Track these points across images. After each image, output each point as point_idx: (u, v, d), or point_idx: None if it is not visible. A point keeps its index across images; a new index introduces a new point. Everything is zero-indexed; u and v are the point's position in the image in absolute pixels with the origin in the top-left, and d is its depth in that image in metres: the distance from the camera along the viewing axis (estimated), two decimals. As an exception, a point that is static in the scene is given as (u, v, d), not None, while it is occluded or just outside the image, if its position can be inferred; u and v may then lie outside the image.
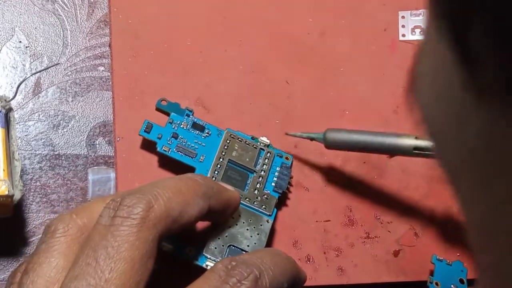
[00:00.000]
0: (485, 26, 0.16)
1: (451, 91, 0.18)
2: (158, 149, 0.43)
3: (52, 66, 0.45)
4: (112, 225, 0.33)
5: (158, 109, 0.45)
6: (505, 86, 0.16)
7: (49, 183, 0.44)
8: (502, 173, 0.17)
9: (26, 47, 0.46)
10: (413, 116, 0.21)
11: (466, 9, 0.16)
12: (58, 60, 0.46)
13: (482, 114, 0.17)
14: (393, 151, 0.44)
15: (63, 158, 0.45)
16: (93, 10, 0.48)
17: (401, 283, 0.46)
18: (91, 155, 0.45)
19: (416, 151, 0.43)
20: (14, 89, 0.45)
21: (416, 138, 0.43)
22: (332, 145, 0.45)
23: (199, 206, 0.37)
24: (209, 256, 0.40)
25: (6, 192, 0.38)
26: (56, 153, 0.45)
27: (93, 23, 0.48)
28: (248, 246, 0.42)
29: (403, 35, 0.52)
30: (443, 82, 0.19)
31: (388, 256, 0.47)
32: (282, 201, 0.46)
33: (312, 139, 0.46)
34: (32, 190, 0.44)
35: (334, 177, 0.47)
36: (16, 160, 0.39)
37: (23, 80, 0.44)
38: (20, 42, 0.47)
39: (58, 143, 0.45)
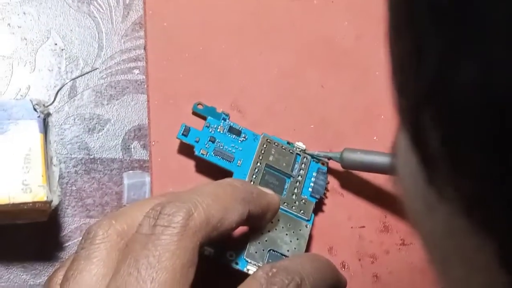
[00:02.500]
0: (437, 130, 0.17)
1: (418, 181, 0.19)
2: (196, 152, 0.43)
3: (91, 71, 0.45)
4: (152, 234, 0.33)
5: (194, 113, 0.45)
6: (458, 199, 0.17)
7: (84, 187, 0.44)
8: (459, 261, 0.19)
9: (62, 49, 0.46)
10: (396, 188, 0.22)
11: (420, 112, 0.18)
12: (94, 63, 0.46)
13: (441, 206, 0.18)
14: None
15: (98, 162, 0.44)
16: (128, 12, 0.48)
17: (436, 291, 0.46)
18: (126, 159, 0.45)
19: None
20: (50, 92, 0.45)
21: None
22: (348, 166, 0.44)
23: (239, 212, 0.36)
24: (249, 260, 0.40)
25: (45, 198, 0.38)
26: (91, 157, 0.44)
27: (128, 25, 0.48)
28: (288, 251, 0.41)
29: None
30: (411, 172, 0.20)
31: (424, 263, 0.46)
32: (318, 207, 0.45)
33: (329, 158, 0.45)
34: (68, 194, 0.43)
35: (369, 182, 0.47)
36: (54, 165, 0.39)
37: (62, 86, 0.44)
38: (56, 44, 0.46)
39: (94, 147, 0.45)
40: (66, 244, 0.42)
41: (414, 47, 0.17)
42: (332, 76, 0.49)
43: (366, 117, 0.49)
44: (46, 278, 0.39)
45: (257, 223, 0.40)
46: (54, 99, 0.42)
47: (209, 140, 0.44)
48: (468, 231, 0.17)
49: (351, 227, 0.46)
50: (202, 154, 0.43)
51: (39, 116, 0.39)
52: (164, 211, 0.34)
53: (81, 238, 0.35)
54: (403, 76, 0.18)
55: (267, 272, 0.35)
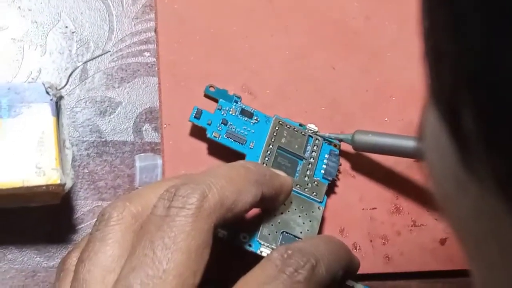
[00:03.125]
0: (474, 111, 0.16)
1: (449, 162, 0.19)
2: (208, 135, 0.43)
3: (103, 54, 0.45)
4: (167, 215, 0.33)
5: (206, 95, 0.45)
6: (493, 178, 0.17)
7: (96, 170, 0.44)
8: (492, 242, 0.19)
9: (73, 32, 0.46)
10: (423, 170, 0.22)
11: (456, 95, 0.17)
12: (104, 46, 0.46)
13: (473, 186, 0.18)
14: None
15: (110, 145, 0.44)
16: (138, -5, 0.48)
17: (448, 271, 0.46)
18: (137, 142, 0.45)
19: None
20: (61, 75, 0.45)
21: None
22: (360, 148, 0.44)
23: (252, 193, 0.36)
24: (262, 242, 0.40)
25: (58, 181, 0.38)
26: (103, 139, 0.44)
27: (138, 8, 0.48)
28: (301, 232, 0.41)
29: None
30: (442, 152, 0.20)
31: (435, 244, 0.46)
32: (330, 188, 0.45)
33: (340, 140, 0.45)
34: (80, 177, 0.43)
35: (381, 164, 0.47)
36: (67, 148, 0.39)
37: (74, 69, 0.44)
38: (66, 27, 0.46)
39: (105, 130, 0.45)
40: (79, 227, 0.43)
41: (453, 31, 0.17)
42: (342, 57, 0.49)
43: (376, 98, 0.49)
44: (59, 260, 0.39)
45: (270, 205, 0.40)
46: (67, 82, 0.42)
47: (221, 123, 0.44)
48: (502, 211, 0.17)
49: (363, 209, 0.46)
50: (214, 136, 0.43)
51: (51, 99, 0.39)
52: (178, 193, 0.34)
53: (95, 220, 0.35)
54: (438, 58, 0.18)
55: (282, 253, 0.35)
